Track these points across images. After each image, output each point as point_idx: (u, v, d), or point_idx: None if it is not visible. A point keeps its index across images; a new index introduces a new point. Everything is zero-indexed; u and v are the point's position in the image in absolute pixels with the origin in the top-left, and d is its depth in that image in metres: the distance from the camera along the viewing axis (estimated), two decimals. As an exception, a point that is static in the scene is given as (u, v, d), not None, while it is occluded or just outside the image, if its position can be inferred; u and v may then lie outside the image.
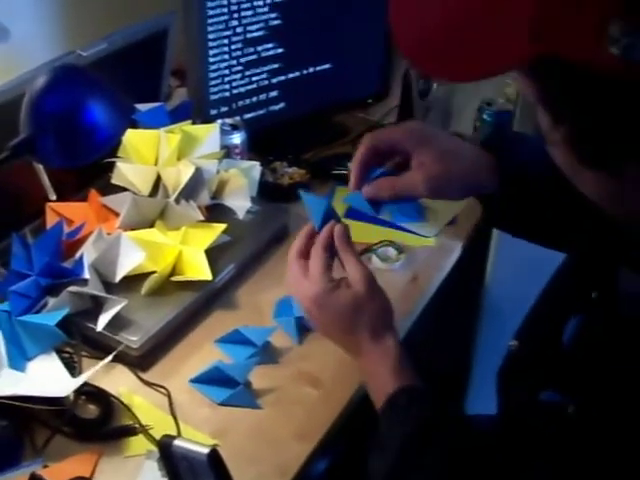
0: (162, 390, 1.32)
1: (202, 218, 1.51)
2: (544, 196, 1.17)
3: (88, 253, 1.40)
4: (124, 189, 1.55)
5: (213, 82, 1.80)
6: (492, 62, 0.74)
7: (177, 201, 1.51)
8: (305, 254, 1.16)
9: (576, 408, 0.91)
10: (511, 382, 1.10)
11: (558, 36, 0.68)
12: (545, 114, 0.78)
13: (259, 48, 1.85)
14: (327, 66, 2.01)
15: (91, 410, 1.27)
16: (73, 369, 1.30)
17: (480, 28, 0.74)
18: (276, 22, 1.85)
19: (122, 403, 1.28)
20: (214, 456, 1.05)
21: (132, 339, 1.34)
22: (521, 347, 1.10)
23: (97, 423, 1.25)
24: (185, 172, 1.51)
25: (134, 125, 1.56)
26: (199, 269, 1.44)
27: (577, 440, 0.90)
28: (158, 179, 1.55)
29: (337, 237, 1.15)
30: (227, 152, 1.67)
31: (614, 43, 0.65)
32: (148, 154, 1.56)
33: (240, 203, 1.57)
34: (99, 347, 1.34)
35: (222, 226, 1.51)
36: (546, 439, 0.94)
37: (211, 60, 1.77)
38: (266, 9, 1.81)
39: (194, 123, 1.63)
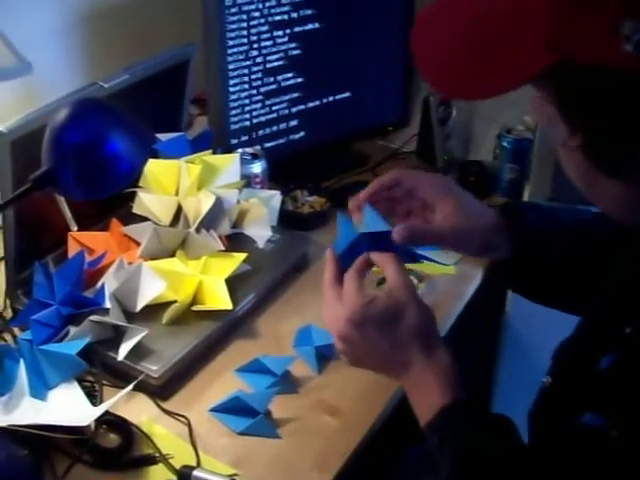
0: (182, 419, 1.32)
1: (222, 248, 1.52)
2: (558, 263, 1.21)
3: (109, 282, 1.41)
4: (145, 218, 1.57)
5: (233, 112, 1.82)
6: (510, 77, 0.79)
7: (198, 231, 1.52)
8: (339, 280, 1.13)
9: (619, 431, 0.89)
10: (546, 416, 1.09)
11: (573, 42, 0.73)
12: (562, 123, 0.81)
13: (279, 78, 1.87)
14: (347, 95, 2.02)
15: (112, 439, 1.27)
16: (94, 398, 1.31)
17: (498, 46, 0.79)
18: (296, 52, 1.86)
19: (142, 432, 1.28)
20: (233, 486, 1.05)
21: (153, 368, 1.34)
22: (555, 383, 1.09)
23: (117, 452, 1.25)
24: (205, 202, 1.52)
25: (155, 155, 1.57)
26: (219, 298, 1.44)
27: (622, 465, 0.89)
28: (179, 209, 1.56)
29: (374, 254, 1.13)
30: (247, 181, 1.68)
31: (627, 41, 0.69)
32: (169, 184, 1.57)
33: (260, 232, 1.58)
34: (120, 376, 1.35)
35: (242, 255, 1.51)
36: (590, 465, 0.93)
37: (231, 90, 1.79)
38: (286, 39, 1.83)
39: (214, 152, 1.64)
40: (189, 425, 1.30)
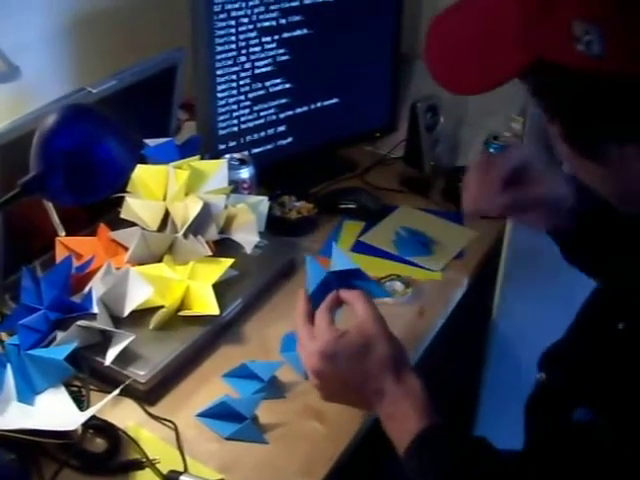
0: (169, 424, 1.32)
1: (210, 253, 1.52)
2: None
3: (97, 287, 1.41)
4: (133, 224, 1.57)
5: (221, 117, 1.82)
6: (497, 73, 0.84)
7: (185, 236, 1.52)
8: (311, 319, 1.19)
9: (607, 426, 0.91)
10: (541, 412, 1.10)
11: (539, 43, 0.78)
12: (542, 112, 0.86)
13: (267, 83, 1.87)
14: (335, 101, 2.03)
15: (98, 444, 1.27)
16: (81, 403, 1.31)
17: (485, 47, 0.85)
18: (284, 58, 1.87)
19: (129, 437, 1.29)
20: (220, 492, 1.06)
21: (140, 373, 1.34)
22: (549, 378, 1.11)
23: (104, 457, 1.25)
24: (193, 207, 1.52)
25: (143, 160, 1.57)
26: (207, 304, 1.45)
27: (611, 459, 0.90)
28: (166, 214, 1.56)
29: (343, 291, 1.19)
30: (235, 187, 1.68)
31: (578, 42, 0.75)
32: (157, 189, 1.57)
33: (248, 238, 1.58)
34: (107, 381, 1.35)
35: (229, 261, 1.51)
36: (581, 461, 0.94)
37: (219, 95, 1.79)
38: (274, 45, 1.83)
39: (202, 157, 1.65)
40: (176, 430, 1.31)
